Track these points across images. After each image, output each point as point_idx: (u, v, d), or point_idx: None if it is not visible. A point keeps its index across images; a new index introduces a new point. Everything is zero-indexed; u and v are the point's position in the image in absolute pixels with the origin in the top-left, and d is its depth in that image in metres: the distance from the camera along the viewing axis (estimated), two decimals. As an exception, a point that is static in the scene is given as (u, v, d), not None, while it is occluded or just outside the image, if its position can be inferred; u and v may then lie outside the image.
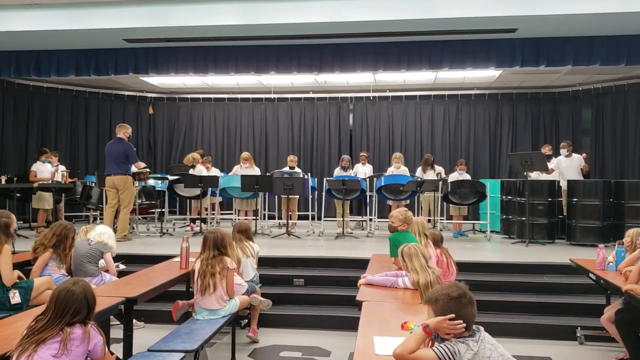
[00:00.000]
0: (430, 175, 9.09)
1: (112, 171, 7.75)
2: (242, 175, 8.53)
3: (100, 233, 4.86)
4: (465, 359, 2.12)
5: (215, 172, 9.73)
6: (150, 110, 12.40)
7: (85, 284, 2.54)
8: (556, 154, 8.88)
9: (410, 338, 2.26)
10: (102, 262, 4.86)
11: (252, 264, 4.97)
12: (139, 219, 9.17)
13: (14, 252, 4.33)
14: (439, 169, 9.43)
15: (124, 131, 7.95)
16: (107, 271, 4.90)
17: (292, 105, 12.20)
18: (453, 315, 2.18)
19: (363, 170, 9.66)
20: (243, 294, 4.46)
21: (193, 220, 9.53)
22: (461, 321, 2.17)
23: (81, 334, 2.40)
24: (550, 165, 8.41)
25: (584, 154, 8.80)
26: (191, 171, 9.16)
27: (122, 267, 5.30)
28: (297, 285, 5.84)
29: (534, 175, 8.36)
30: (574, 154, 8.52)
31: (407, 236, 4.40)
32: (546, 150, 8.99)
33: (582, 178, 8.33)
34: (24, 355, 2.33)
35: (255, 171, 9.36)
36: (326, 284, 5.85)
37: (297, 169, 9.75)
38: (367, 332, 2.70)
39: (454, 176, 9.03)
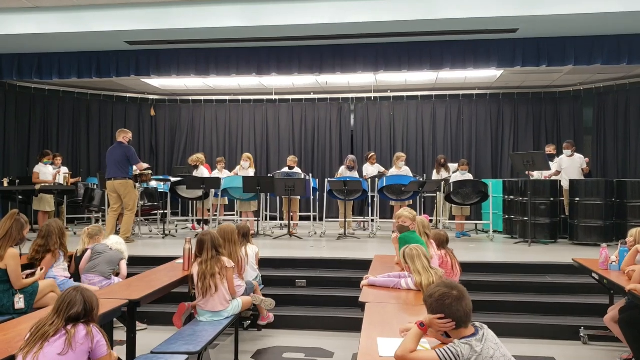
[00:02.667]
0: (443, 176, 9.12)
1: (112, 175, 7.75)
2: (243, 177, 8.54)
3: (116, 242, 5.04)
4: (468, 360, 2.13)
5: (226, 174, 9.67)
6: (152, 112, 12.42)
7: (84, 290, 2.60)
8: (559, 153, 8.87)
9: (408, 338, 2.30)
10: None
11: (253, 264, 4.98)
12: (142, 220, 9.17)
13: (20, 255, 4.36)
14: (453, 167, 9.45)
15: (124, 135, 7.97)
16: (117, 275, 4.96)
17: (293, 106, 12.21)
18: (441, 315, 2.25)
19: (372, 170, 9.65)
20: (243, 294, 4.48)
21: (199, 221, 9.55)
22: (449, 320, 2.23)
23: (85, 332, 2.48)
24: (553, 166, 8.43)
25: (587, 159, 8.78)
26: (194, 172, 9.16)
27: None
28: (300, 287, 5.84)
29: (537, 175, 8.36)
30: (576, 154, 8.52)
31: (415, 236, 4.40)
32: (550, 149, 8.98)
33: (582, 178, 8.33)
34: (30, 353, 2.38)
35: (253, 173, 9.36)
36: (328, 285, 5.86)
37: (296, 169, 9.75)
38: (371, 333, 2.70)
39: (456, 176, 9.02)
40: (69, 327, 2.45)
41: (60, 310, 2.49)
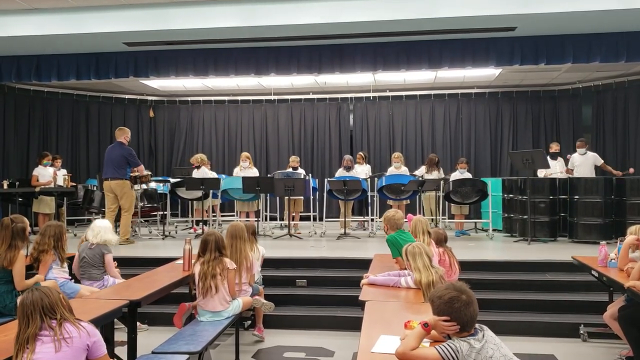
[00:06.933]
0: (434, 175, 9.10)
1: (109, 175, 7.75)
2: (243, 177, 8.54)
3: (97, 232, 4.84)
4: (467, 358, 2.14)
5: (212, 175, 9.67)
6: (151, 114, 12.41)
7: (40, 288, 2.53)
8: (564, 151, 8.86)
9: (411, 336, 2.30)
10: None
11: (257, 265, 4.99)
12: (141, 221, 9.18)
13: (25, 256, 4.40)
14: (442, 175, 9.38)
15: (124, 136, 7.97)
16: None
17: (292, 107, 12.21)
18: (447, 318, 2.24)
19: (362, 170, 9.66)
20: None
21: (197, 222, 9.56)
22: (454, 323, 2.22)
23: (73, 328, 2.44)
24: (557, 165, 8.46)
25: (632, 169, 8.69)
26: (195, 172, 9.16)
27: None
28: (300, 286, 5.85)
29: (541, 174, 8.37)
30: (589, 152, 8.51)
31: (405, 236, 4.41)
32: (556, 148, 8.97)
33: (594, 175, 8.32)
34: (24, 355, 2.35)
35: (254, 172, 9.37)
36: (329, 285, 5.87)
37: (299, 169, 9.73)
38: (371, 332, 2.71)
39: (455, 175, 9.02)
40: (53, 324, 2.40)
41: (28, 313, 2.40)
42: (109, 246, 4.89)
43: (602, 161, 8.49)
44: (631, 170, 8.64)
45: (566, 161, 8.83)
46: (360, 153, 10.18)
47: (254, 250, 4.82)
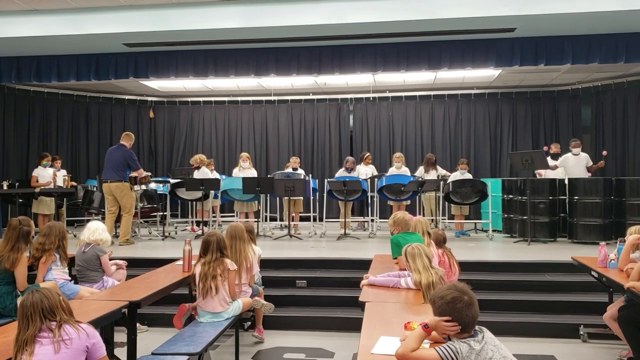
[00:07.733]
0: (432, 175, 9.09)
1: (108, 177, 7.75)
2: (243, 178, 8.54)
3: (94, 230, 4.82)
4: (467, 359, 2.14)
5: (215, 175, 9.70)
6: (151, 114, 12.42)
7: (40, 289, 2.53)
8: (565, 152, 8.84)
9: (411, 337, 2.30)
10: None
11: (256, 266, 4.98)
12: (141, 222, 9.17)
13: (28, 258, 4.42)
14: (442, 171, 9.37)
15: (130, 142, 7.98)
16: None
17: (292, 107, 12.22)
18: (449, 318, 2.23)
19: (365, 170, 9.66)
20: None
21: (197, 223, 9.55)
22: (455, 323, 2.22)
23: (72, 329, 2.44)
24: (556, 162, 8.45)
25: (605, 152, 8.71)
26: (195, 172, 9.16)
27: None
28: (300, 287, 5.84)
29: (542, 173, 8.36)
30: (582, 153, 8.51)
31: (407, 237, 4.42)
32: (557, 149, 8.96)
33: (587, 176, 8.32)
34: (23, 356, 2.35)
35: (253, 172, 9.38)
36: (329, 285, 5.86)
37: (300, 170, 9.74)
38: (371, 333, 2.71)
39: (455, 175, 9.02)
40: (52, 326, 2.40)
41: (28, 315, 2.40)
42: (103, 247, 4.84)
43: (592, 163, 8.49)
44: (604, 152, 8.66)
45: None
46: (368, 153, 10.15)
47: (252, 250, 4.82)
